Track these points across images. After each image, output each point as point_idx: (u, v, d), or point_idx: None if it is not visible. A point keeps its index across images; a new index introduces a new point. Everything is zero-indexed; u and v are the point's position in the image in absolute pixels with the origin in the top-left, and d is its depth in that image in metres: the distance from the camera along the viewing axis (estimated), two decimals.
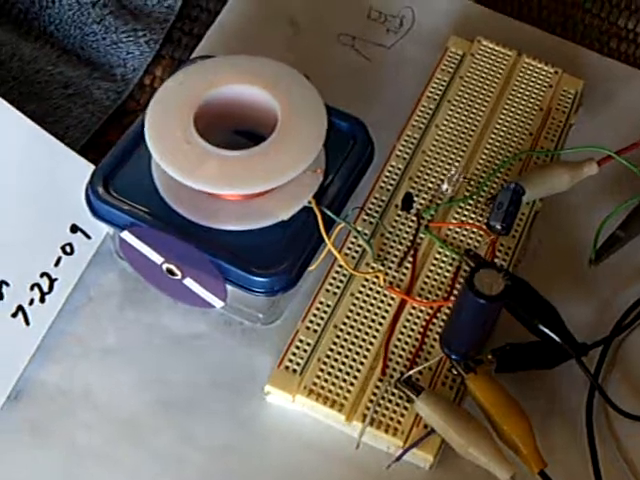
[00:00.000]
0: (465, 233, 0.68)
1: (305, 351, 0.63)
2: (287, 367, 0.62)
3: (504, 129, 0.74)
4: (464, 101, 0.75)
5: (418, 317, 0.64)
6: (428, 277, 0.66)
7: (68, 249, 0.66)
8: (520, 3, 0.88)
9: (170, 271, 0.63)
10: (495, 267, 0.55)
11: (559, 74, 0.77)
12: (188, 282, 0.63)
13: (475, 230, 0.68)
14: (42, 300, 0.64)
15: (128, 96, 0.78)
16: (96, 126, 0.75)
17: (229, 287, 0.62)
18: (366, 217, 0.68)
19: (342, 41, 0.82)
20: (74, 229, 0.67)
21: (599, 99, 0.79)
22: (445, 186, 0.69)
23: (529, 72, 0.77)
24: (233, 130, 0.66)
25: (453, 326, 0.59)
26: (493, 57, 0.78)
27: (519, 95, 0.76)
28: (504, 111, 0.75)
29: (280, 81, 0.64)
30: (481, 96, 0.75)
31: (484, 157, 0.72)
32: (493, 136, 0.73)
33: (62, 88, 0.76)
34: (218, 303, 0.63)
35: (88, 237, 0.67)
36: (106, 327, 0.65)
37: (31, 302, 0.64)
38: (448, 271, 0.66)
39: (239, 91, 0.64)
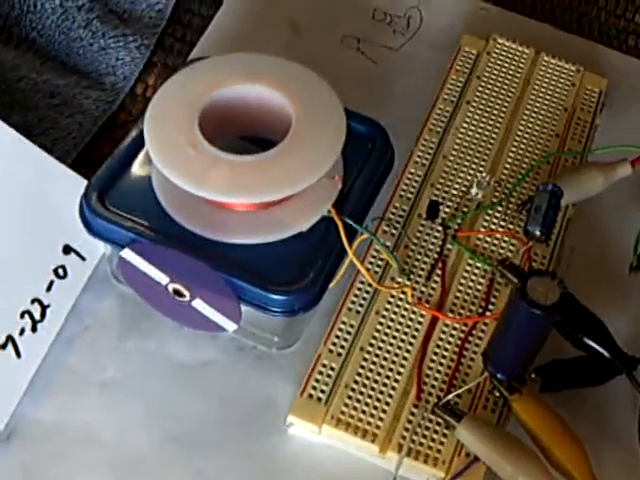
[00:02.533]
0: (495, 242, 0.63)
1: (330, 377, 0.57)
2: (311, 395, 0.56)
3: (528, 130, 0.69)
4: (483, 102, 0.70)
5: (452, 335, 0.59)
6: (460, 291, 0.61)
7: (61, 272, 0.61)
8: (532, 1, 0.83)
9: (177, 292, 0.57)
10: (549, 274, 0.49)
11: (581, 72, 0.73)
12: (197, 303, 0.57)
13: (507, 238, 0.63)
14: (34, 329, 0.59)
15: (119, 106, 0.72)
16: (87, 138, 0.69)
17: (242, 307, 0.55)
18: (387, 228, 0.63)
19: (346, 43, 0.78)
20: (67, 250, 0.61)
21: (621, 98, 0.75)
22: (475, 190, 0.64)
23: (549, 71, 0.73)
24: (239, 136, 0.60)
25: (501, 341, 0.54)
26: (510, 55, 0.74)
27: (541, 95, 0.72)
28: (526, 112, 0.70)
29: (293, 81, 0.59)
30: (501, 96, 0.71)
31: (510, 160, 0.67)
32: (517, 138, 0.69)
33: (48, 97, 0.70)
34: (231, 326, 0.57)
35: (83, 259, 0.62)
36: (105, 358, 0.60)
37: (22, 332, 0.58)
38: (481, 284, 0.61)
39: (247, 92, 0.58)
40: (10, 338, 0.58)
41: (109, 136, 0.71)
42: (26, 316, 0.59)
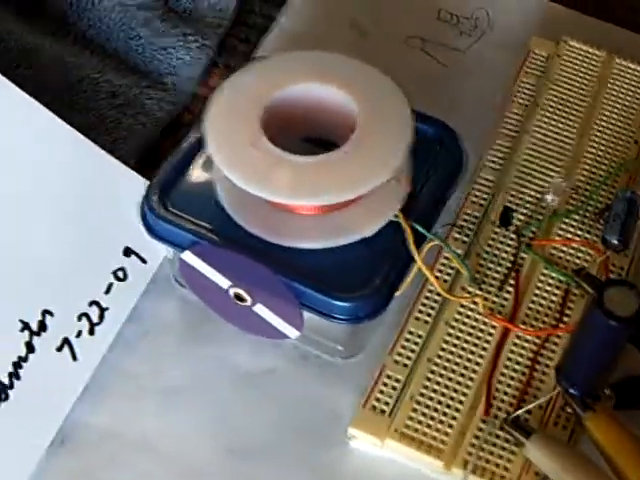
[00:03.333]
0: (572, 252, 0.61)
1: (394, 388, 0.55)
2: (374, 407, 0.54)
3: (605, 136, 0.67)
4: (555, 106, 0.68)
5: (524, 348, 0.56)
6: (533, 302, 0.58)
7: (121, 274, 0.59)
8: (604, 3, 0.81)
9: (238, 296, 0.55)
10: (627, 284, 0.47)
11: None
12: (259, 309, 0.55)
13: (583, 248, 0.60)
14: (91, 332, 0.57)
15: (182, 108, 0.70)
16: (150, 139, 0.67)
17: (306, 314, 0.53)
18: (458, 235, 0.61)
19: (411, 44, 0.75)
20: (128, 252, 0.60)
21: None
22: (550, 197, 0.61)
23: (623, 74, 0.70)
24: (301, 137, 0.58)
25: (575, 354, 0.51)
26: (581, 58, 0.71)
27: (614, 98, 0.69)
28: (601, 117, 0.68)
29: (358, 79, 0.57)
30: (574, 100, 0.68)
31: (587, 167, 0.65)
32: (594, 144, 0.66)
33: (110, 98, 0.68)
34: (293, 333, 0.55)
35: (144, 261, 0.60)
36: (164, 363, 0.58)
37: (79, 334, 0.57)
38: (555, 295, 0.59)
39: (311, 91, 0.56)
40: (66, 341, 0.56)
41: (172, 138, 0.69)
42: (84, 319, 0.57)
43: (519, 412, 0.53)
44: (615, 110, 0.68)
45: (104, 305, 0.58)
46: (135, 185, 0.60)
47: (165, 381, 0.58)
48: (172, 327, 0.59)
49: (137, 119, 0.68)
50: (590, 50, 0.71)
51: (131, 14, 0.73)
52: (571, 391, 0.52)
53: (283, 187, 0.53)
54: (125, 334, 0.58)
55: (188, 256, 0.55)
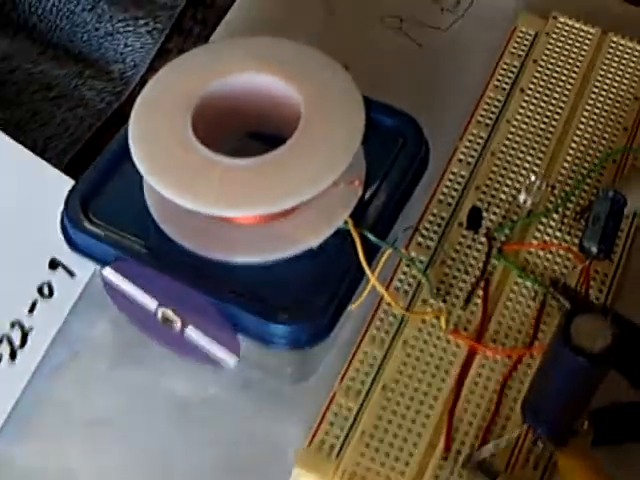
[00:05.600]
0: (549, 257, 0.55)
1: (346, 419, 0.49)
2: (322, 443, 0.49)
3: (592, 123, 0.61)
4: (540, 90, 0.62)
5: (493, 370, 0.51)
6: (503, 316, 0.52)
7: (46, 290, 0.54)
8: None
9: (167, 318, 0.49)
10: (599, 310, 0.40)
11: None
12: (190, 333, 0.49)
13: (562, 253, 0.54)
14: (12, 357, 0.53)
15: (128, 98, 0.64)
16: (87, 134, 0.61)
17: (242, 339, 0.47)
18: (421, 240, 0.55)
19: (387, 24, 0.70)
20: (54, 265, 0.55)
21: None
22: (523, 196, 0.55)
23: (618, 53, 0.65)
24: (246, 133, 0.52)
25: (540, 391, 0.44)
26: (573, 36, 0.65)
27: (607, 81, 0.63)
28: (590, 101, 0.62)
29: (304, 67, 0.50)
30: (561, 83, 0.63)
31: (569, 159, 0.59)
32: (579, 132, 0.60)
33: (44, 90, 0.62)
34: (229, 360, 0.49)
35: (72, 275, 0.55)
36: (94, 390, 0.53)
37: None
38: (529, 307, 0.53)
39: (250, 81, 0.50)
40: None
41: (117, 132, 0.63)
42: (4, 342, 0.53)
43: (484, 450, 0.47)
44: (606, 94, 0.62)
45: (27, 326, 0.53)
46: (64, 189, 0.54)
47: (94, 411, 0.53)
48: (103, 349, 0.54)
49: (75, 113, 0.62)
50: (583, 27, 0.65)
51: None
52: (539, 431, 0.45)
53: (214, 196, 0.46)
54: (51, 358, 0.54)
55: (110, 273, 0.49)
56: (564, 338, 0.40)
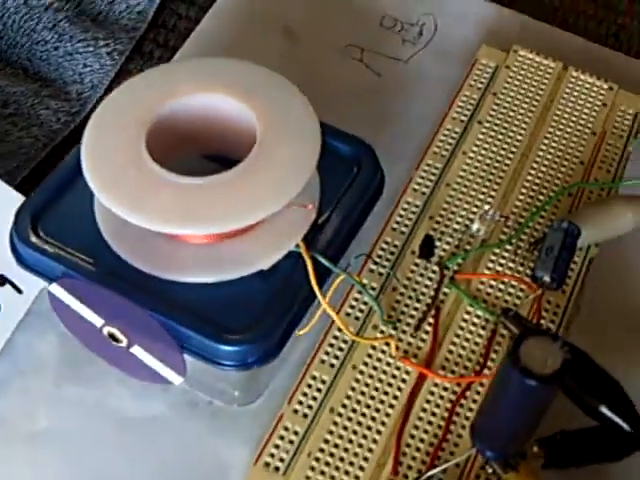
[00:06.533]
0: (502, 287, 0.54)
1: (292, 442, 0.48)
2: (267, 464, 0.48)
3: (549, 157, 0.60)
4: (498, 122, 0.62)
5: (441, 397, 0.50)
6: (454, 344, 0.52)
7: None
8: (563, 11, 0.75)
9: (113, 336, 0.48)
10: (548, 334, 0.39)
11: (614, 91, 0.64)
12: (136, 351, 0.48)
13: (515, 283, 0.53)
14: None
15: (85, 119, 0.63)
16: (42, 153, 0.60)
17: (189, 358, 0.46)
18: (374, 267, 0.54)
19: (349, 54, 0.69)
20: (1, 281, 0.54)
21: None
22: (476, 226, 0.54)
23: (577, 88, 0.64)
24: (202, 155, 0.51)
25: (489, 414, 0.44)
26: (533, 70, 0.65)
27: (566, 116, 0.62)
28: (548, 135, 0.61)
29: (260, 89, 0.50)
30: (519, 116, 0.62)
31: (524, 191, 0.58)
32: (535, 165, 0.60)
33: (0, 107, 0.61)
34: (176, 378, 0.48)
35: (19, 291, 0.54)
36: (38, 407, 0.52)
37: None
38: (480, 336, 0.52)
39: (206, 103, 0.49)
40: None
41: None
42: None
43: (431, 473, 0.46)
44: (564, 128, 0.62)
45: None
46: (14, 205, 0.53)
47: (37, 426, 0.51)
48: (49, 366, 0.53)
49: (29, 132, 0.61)
50: (543, 61, 0.65)
51: (37, 16, 0.66)
52: (487, 454, 0.45)
53: (164, 214, 0.46)
54: None
55: (56, 289, 0.48)
56: (513, 360, 0.39)
